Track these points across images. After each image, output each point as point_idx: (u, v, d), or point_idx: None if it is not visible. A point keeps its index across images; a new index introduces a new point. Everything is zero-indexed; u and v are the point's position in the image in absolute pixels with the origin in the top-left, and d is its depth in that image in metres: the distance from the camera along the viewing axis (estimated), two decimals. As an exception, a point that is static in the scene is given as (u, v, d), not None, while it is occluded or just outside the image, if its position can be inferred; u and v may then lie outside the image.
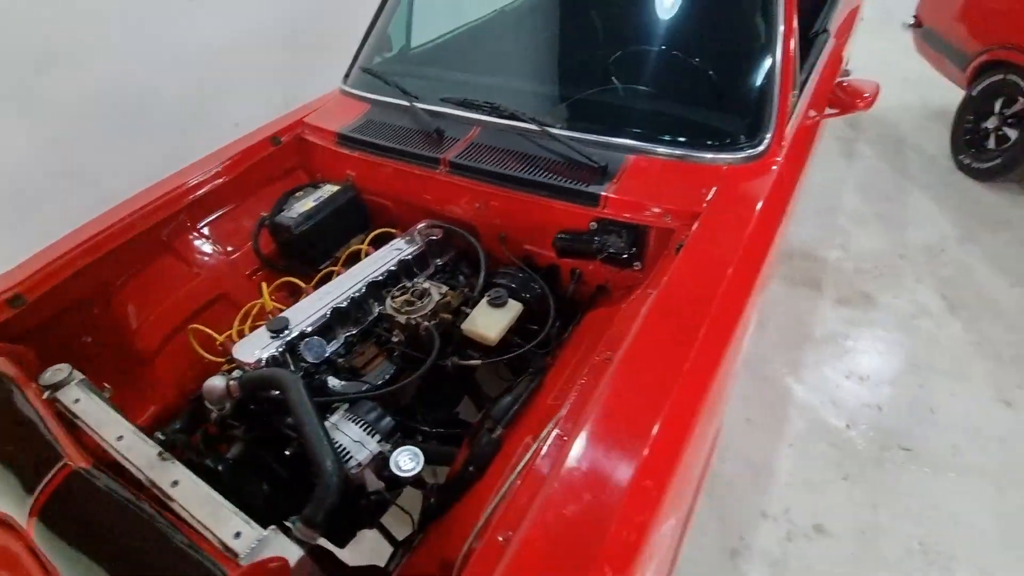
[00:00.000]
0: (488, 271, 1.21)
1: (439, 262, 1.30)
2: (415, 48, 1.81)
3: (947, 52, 2.95)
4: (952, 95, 2.90)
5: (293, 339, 1.00)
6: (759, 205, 1.10)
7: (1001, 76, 2.56)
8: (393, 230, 1.36)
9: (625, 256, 1.14)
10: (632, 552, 0.61)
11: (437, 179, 1.29)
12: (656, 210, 1.09)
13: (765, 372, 1.83)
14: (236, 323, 1.18)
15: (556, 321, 1.13)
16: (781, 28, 1.23)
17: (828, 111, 1.53)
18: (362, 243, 1.37)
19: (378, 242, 1.33)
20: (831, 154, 3.10)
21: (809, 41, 1.82)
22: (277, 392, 0.88)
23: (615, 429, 0.72)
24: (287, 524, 0.75)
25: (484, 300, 1.09)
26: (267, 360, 0.96)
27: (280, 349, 0.98)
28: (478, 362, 1.04)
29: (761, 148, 1.18)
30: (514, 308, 1.10)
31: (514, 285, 1.16)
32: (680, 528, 0.87)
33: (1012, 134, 2.55)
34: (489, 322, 1.06)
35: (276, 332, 1.00)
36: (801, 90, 1.48)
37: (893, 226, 2.49)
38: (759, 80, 1.24)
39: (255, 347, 0.98)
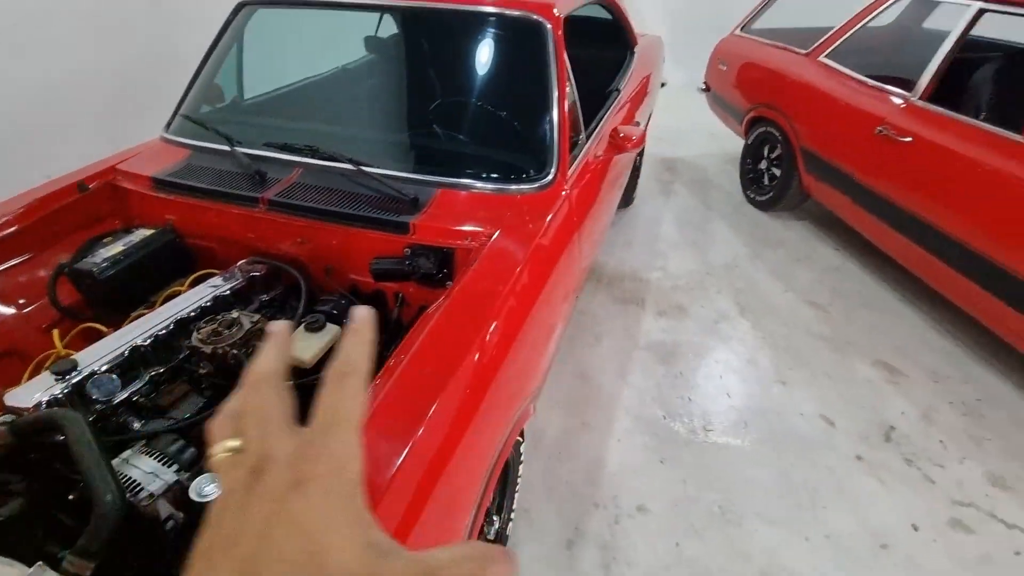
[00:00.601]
0: (312, 300, 1.27)
1: (264, 297, 1.32)
2: (247, 100, 1.87)
3: (729, 110, 3.65)
4: (739, 143, 3.56)
5: (80, 380, 0.97)
6: (548, 219, 1.31)
7: (765, 128, 3.23)
8: (217, 271, 1.37)
9: (438, 276, 1.27)
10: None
11: (258, 217, 1.34)
12: (461, 232, 1.25)
13: (600, 380, 2.05)
14: (25, 376, 1.10)
15: (381, 341, 1.21)
16: (556, 91, 1.49)
17: (621, 152, 1.85)
18: (182, 286, 1.35)
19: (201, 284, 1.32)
20: (653, 194, 3.62)
21: (606, 96, 2.19)
22: (60, 436, 0.85)
23: (390, 421, 0.81)
24: (60, 557, 0.72)
25: (301, 326, 1.15)
26: (47, 403, 0.92)
27: (65, 391, 0.94)
28: (288, 383, 1.07)
29: (548, 179, 1.41)
30: (332, 331, 1.16)
31: (335, 311, 1.23)
32: (471, 513, 0.96)
33: (777, 172, 3.20)
34: (305, 345, 1.11)
35: (61, 375, 0.95)
36: (591, 134, 1.78)
37: (701, 250, 2.96)
38: (542, 127, 1.48)
39: (35, 391, 0.93)
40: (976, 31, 2.11)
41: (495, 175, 1.40)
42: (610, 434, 1.82)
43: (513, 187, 1.38)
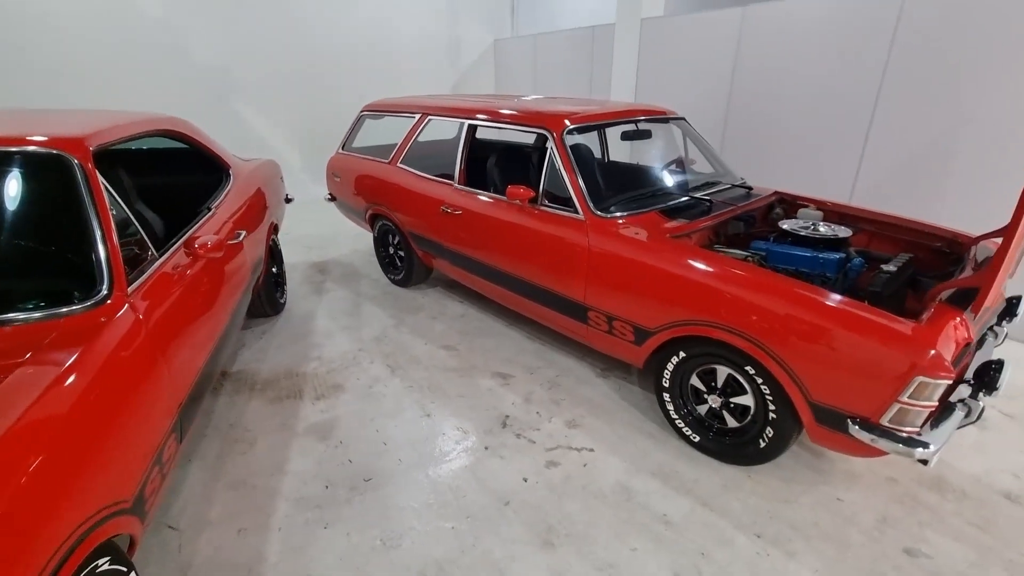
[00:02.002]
0: None
1: None
2: None
3: (353, 213, 4.21)
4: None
5: None
6: (105, 336, 1.31)
7: (382, 222, 3.86)
8: None
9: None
10: None
11: None
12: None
13: (255, 482, 2.01)
14: None
15: None
16: (95, 218, 1.52)
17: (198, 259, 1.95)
18: None
19: None
20: (306, 295, 3.81)
21: (196, 214, 2.30)
22: None
23: None
24: None
25: None
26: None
27: None
28: None
29: (100, 297, 1.41)
30: None
31: None
32: None
33: (402, 254, 3.82)
34: None
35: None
36: (168, 250, 1.85)
37: (353, 331, 3.25)
38: (84, 251, 1.49)
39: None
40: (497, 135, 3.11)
41: (37, 303, 1.34)
42: (268, 528, 1.80)
43: (63, 309, 1.34)
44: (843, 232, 2.37)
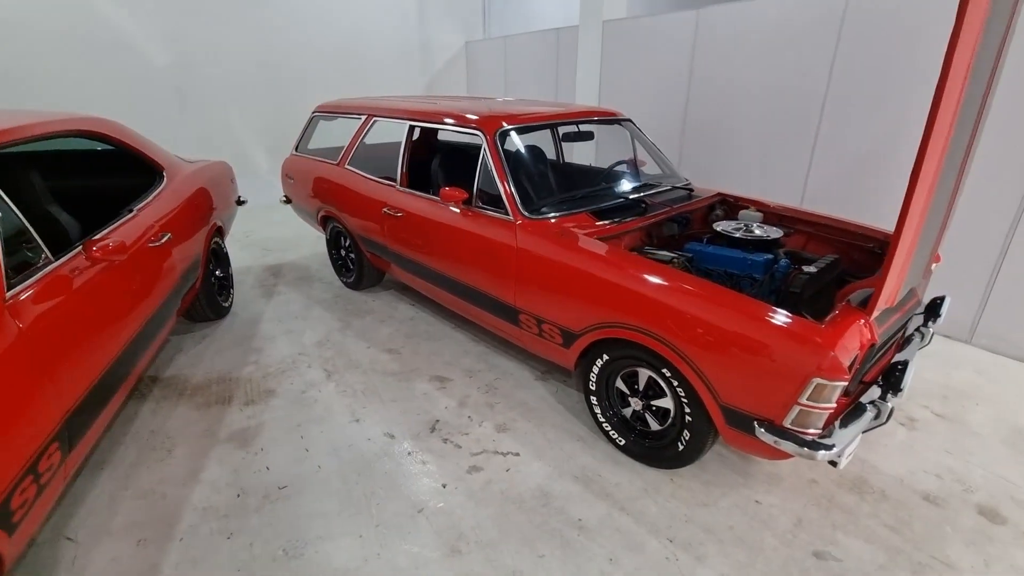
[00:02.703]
0: None
1: None
2: None
3: (306, 215, 4.16)
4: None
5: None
6: None
7: (334, 224, 3.81)
8: None
9: None
10: None
11: None
12: None
13: (165, 491, 1.96)
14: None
15: None
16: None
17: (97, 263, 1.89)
18: None
19: None
20: (256, 299, 3.75)
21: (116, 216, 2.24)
22: None
23: None
24: None
25: None
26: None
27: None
28: None
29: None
30: None
31: None
32: None
33: (353, 256, 3.77)
34: None
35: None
36: (66, 254, 1.79)
37: (296, 335, 3.20)
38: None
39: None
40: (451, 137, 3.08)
41: None
42: (171, 538, 1.75)
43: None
44: (774, 233, 2.37)
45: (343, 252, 3.92)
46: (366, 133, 3.48)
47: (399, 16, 7.04)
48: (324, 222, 3.93)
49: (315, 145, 4.18)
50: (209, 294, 3.19)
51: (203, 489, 1.97)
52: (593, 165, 3.63)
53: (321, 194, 3.78)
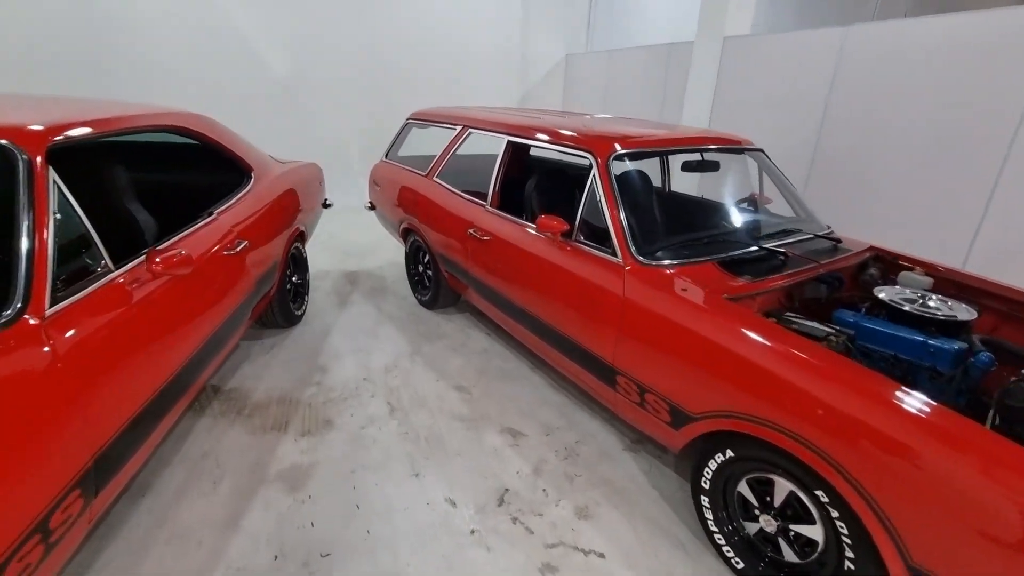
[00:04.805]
0: None
1: None
2: None
3: (389, 224, 3.99)
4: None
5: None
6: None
7: (415, 237, 3.60)
8: None
9: None
10: None
11: None
12: None
13: (201, 536, 1.74)
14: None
15: None
16: (25, 220, 1.31)
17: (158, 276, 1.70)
18: None
19: None
20: (330, 307, 3.61)
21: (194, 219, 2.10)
22: None
23: None
24: None
25: None
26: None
27: None
28: None
29: (9, 316, 1.19)
30: None
31: None
32: None
33: (431, 274, 3.53)
34: None
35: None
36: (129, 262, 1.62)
37: (364, 355, 2.98)
38: (4, 261, 1.27)
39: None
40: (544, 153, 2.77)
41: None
42: (195, 602, 1.51)
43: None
44: (964, 313, 1.81)
45: (420, 268, 3.69)
46: (459, 145, 3.23)
47: (505, 26, 6.89)
48: (405, 234, 3.73)
49: (406, 152, 4.01)
50: (283, 302, 3.05)
51: (241, 542, 1.73)
52: (704, 197, 3.15)
53: (405, 205, 3.58)
